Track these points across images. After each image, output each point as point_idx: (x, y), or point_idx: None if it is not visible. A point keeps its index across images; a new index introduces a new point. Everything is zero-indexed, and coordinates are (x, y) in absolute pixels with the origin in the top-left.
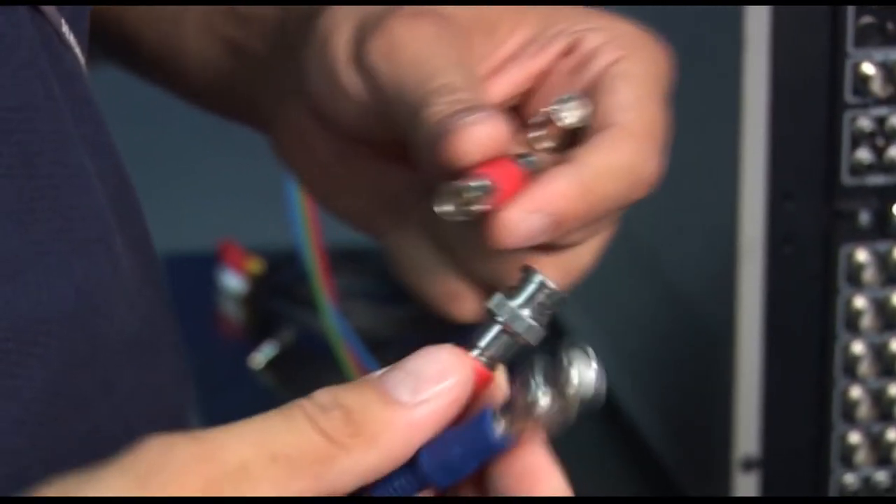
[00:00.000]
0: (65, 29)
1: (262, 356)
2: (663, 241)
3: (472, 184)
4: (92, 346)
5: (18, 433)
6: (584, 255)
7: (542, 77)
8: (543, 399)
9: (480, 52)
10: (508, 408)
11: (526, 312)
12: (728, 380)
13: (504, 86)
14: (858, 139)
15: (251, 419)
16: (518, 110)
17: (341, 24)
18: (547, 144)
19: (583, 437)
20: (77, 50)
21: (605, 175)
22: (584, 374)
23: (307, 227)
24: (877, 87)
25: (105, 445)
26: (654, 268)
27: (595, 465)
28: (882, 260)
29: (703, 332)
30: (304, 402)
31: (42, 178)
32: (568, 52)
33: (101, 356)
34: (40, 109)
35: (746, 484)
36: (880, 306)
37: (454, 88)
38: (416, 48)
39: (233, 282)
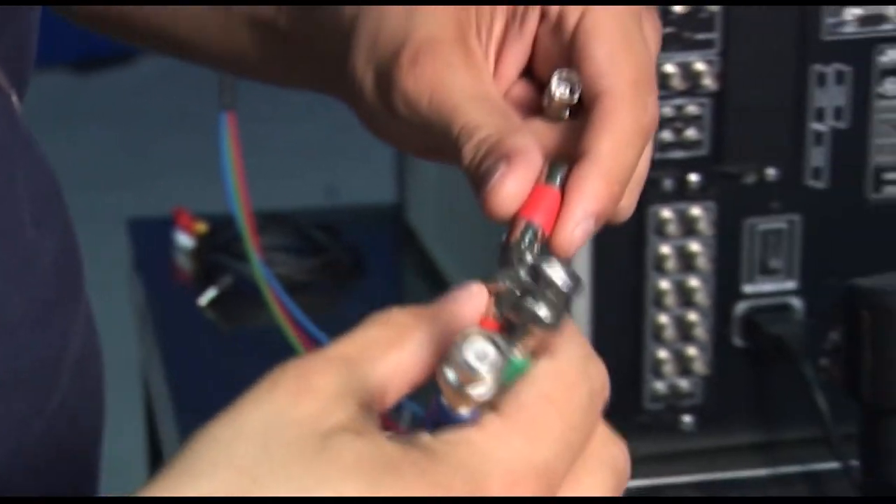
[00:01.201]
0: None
1: (206, 297)
2: None
3: (522, 243)
4: (83, 367)
5: (46, 444)
6: (642, 165)
7: (536, 44)
8: (542, 310)
9: (480, 54)
10: (513, 335)
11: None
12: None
13: (511, 66)
14: (662, 123)
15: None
16: (532, 71)
17: (365, 73)
18: (559, 114)
19: None
20: (17, 103)
21: (619, 152)
22: (557, 272)
23: (239, 196)
24: (676, 83)
25: (88, 444)
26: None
27: None
28: (681, 217)
29: None
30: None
31: (21, 247)
32: (543, 16)
33: (85, 371)
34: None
35: None
36: (680, 252)
37: (474, 127)
38: (430, 94)
39: (184, 240)
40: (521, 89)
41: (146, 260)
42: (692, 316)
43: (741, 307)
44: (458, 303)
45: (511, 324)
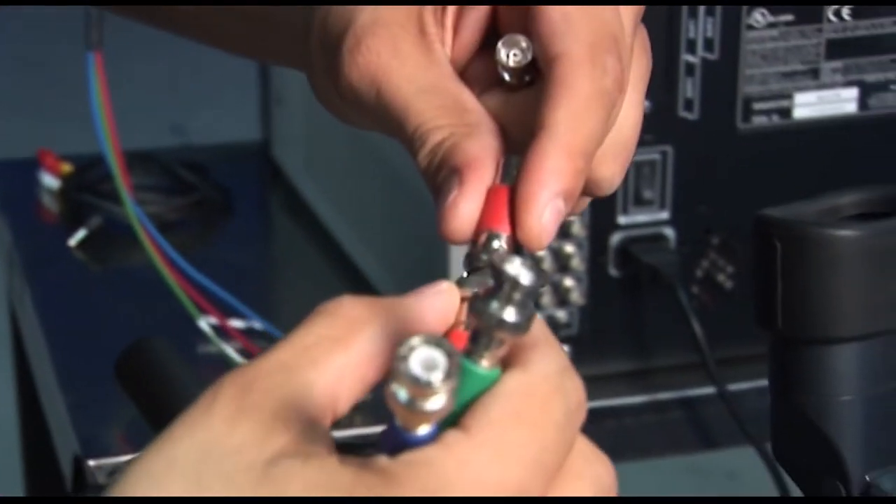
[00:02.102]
0: None
1: (76, 238)
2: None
3: (490, 256)
4: None
5: None
6: (626, 128)
7: (499, 12)
8: (507, 313)
9: (434, 31)
10: (479, 343)
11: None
12: (445, 252)
13: (471, 34)
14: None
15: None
16: (497, 35)
17: (316, 56)
18: (520, 81)
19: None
20: None
21: (577, 121)
22: (520, 269)
23: (109, 136)
24: None
25: None
26: (389, 171)
27: None
28: None
29: (424, 213)
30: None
31: None
32: None
33: None
34: None
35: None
36: None
37: (427, 130)
38: (377, 88)
39: (50, 181)
40: (485, 61)
41: (12, 201)
42: (569, 248)
43: (616, 238)
44: (421, 298)
45: (477, 332)
